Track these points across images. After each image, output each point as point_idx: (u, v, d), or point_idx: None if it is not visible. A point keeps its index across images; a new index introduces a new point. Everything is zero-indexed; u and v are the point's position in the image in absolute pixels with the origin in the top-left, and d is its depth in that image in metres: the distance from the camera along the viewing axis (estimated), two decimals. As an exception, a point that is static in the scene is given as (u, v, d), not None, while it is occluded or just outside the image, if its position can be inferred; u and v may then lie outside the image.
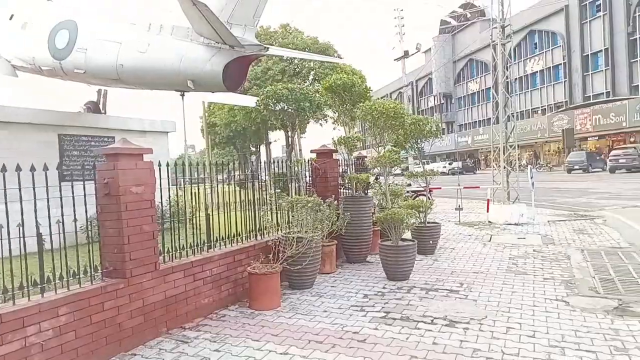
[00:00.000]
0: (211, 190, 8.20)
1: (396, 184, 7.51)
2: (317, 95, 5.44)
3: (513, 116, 10.61)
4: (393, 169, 6.78)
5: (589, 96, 40.73)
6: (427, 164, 49.70)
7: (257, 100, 5.11)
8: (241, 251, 4.94)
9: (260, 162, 6.64)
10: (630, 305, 4.26)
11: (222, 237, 4.90)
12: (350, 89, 6.08)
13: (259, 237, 5.35)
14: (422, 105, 69.96)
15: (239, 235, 5.08)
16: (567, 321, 3.91)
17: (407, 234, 6.94)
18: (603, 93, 39.33)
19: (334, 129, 22.40)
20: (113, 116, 10.52)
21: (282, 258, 4.85)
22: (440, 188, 12.09)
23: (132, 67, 7.19)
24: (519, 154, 43.70)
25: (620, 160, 27.09)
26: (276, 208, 5.60)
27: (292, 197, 5.27)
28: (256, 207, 5.31)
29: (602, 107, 36.15)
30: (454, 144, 56.44)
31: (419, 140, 6.65)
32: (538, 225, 9.29)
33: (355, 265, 6.40)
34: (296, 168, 6.44)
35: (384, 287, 5.19)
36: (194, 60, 6.66)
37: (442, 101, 62.17)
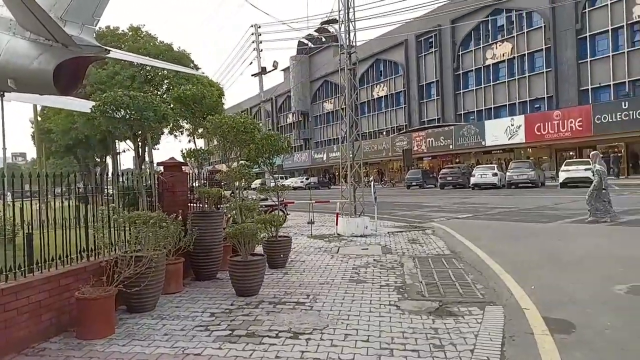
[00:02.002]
0: (40, 206, 7.17)
1: (250, 199, 7.51)
2: (164, 105, 5.15)
3: (359, 136, 11.48)
4: (254, 183, 6.75)
5: (424, 121, 46.38)
6: (285, 178, 51.06)
7: (93, 107, 4.60)
8: (68, 274, 4.38)
9: (107, 175, 6.01)
10: (448, 306, 4.83)
11: (45, 259, 4.30)
12: (201, 100, 5.92)
13: (91, 258, 4.82)
14: (282, 122, 71.82)
15: (67, 256, 4.51)
16: (397, 324, 4.28)
17: (259, 249, 6.97)
18: (435, 119, 45.16)
19: (189, 141, 21.59)
20: None
21: (117, 280, 4.43)
22: (293, 202, 12.44)
23: None
24: (367, 171, 47.27)
25: (448, 178, 31.19)
26: (114, 225, 5.11)
27: (132, 213, 4.87)
28: (89, 224, 4.79)
29: (434, 131, 41.42)
30: (310, 160, 58.99)
31: (272, 156, 6.76)
32: (380, 237, 10.11)
33: (205, 283, 6.17)
34: (145, 181, 6.00)
35: (232, 304, 5.08)
36: (16, 56, 5.80)
37: (300, 118, 64.66)
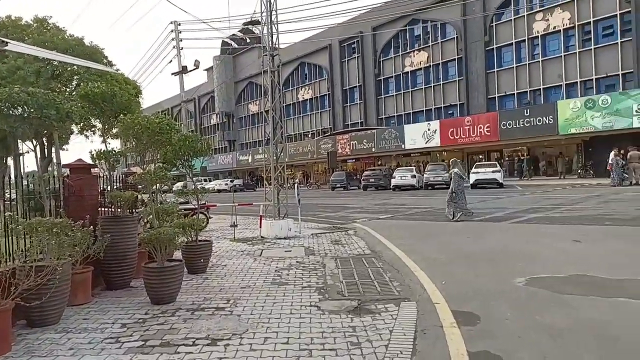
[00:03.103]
0: None
1: (168, 202, 7.21)
2: (71, 102, 4.75)
3: (284, 138, 11.49)
4: (175, 186, 6.47)
5: (348, 124, 47.52)
6: (209, 181, 49.76)
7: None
8: (-47, 290, 3.92)
9: (8, 177, 5.46)
10: (366, 304, 4.98)
11: None
12: (112, 99, 5.57)
13: (-17, 270, 4.35)
14: (205, 123, 69.94)
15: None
16: (317, 324, 4.33)
17: (179, 254, 6.72)
18: (358, 122, 46.43)
19: (102, 142, 20.25)
20: None
21: (14, 292, 4.04)
22: (215, 205, 12.16)
23: None
24: (292, 173, 47.46)
25: (371, 180, 32.18)
26: (12, 233, 4.66)
27: (32, 220, 4.47)
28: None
29: (358, 134, 42.59)
30: (235, 162, 58.05)
31: (190, 158, 6.54)
32: (303, 239, 10.18)
33: (117, 292, 5.83)
34: (50, 185, 5.52)
35: (146, 313, 4.84)
36: None
37: (225, 120, 63.36)
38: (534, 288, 5.28)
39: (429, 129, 36.48)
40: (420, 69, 41.15)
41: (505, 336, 3.89)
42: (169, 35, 22.09)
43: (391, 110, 43.81)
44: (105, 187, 6.38)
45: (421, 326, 4.21)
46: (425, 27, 40.30)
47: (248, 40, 51.40)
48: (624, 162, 22.13)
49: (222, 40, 54.45)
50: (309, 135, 51.30)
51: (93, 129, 19.09)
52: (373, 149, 40.53)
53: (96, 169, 6.27)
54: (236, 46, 53.44)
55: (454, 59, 38.49)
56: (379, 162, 42.13)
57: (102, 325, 4.48)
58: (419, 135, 36.97)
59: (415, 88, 41.77)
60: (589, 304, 4.63)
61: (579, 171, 30.12)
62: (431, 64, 40.11)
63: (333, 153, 40.19)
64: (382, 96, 44.54)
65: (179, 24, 21.92)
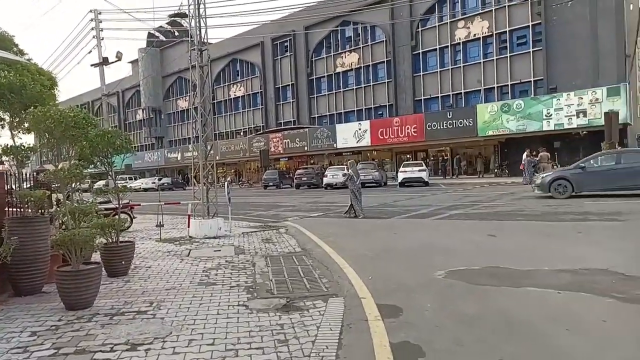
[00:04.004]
0: None
1: (86, 201, 6.78)
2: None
3: (216, 136, 11.22)
4: (97, 184, 6.06)
5: (281, 122, 47.42)
6: (134, 179, 47.47)
7: None
8: None
9: None
10: (295, 302, 5.00)
11: None
12: (20, 90, 5.12)
13: None
14: (130, 118, 66.64)
15: None
16: (244, 324, 4.29)
17: (97, 256, 6.35)
18: (291, 121, 46.49)
19: (11, 137, 18.58)
20: None
21: None
22: (140, 205, 11.63)
23: None
24: (224, 172, 46.54)
25: (303, 178, 32.38)
26: None
27: None
28: None
29: (290, 132, 42.65)
30: (164, 159, 55.83)
31: (109, 155, 6.18)
32: (234, 237, 10.02)
33: (27, 299, 5.38)
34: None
35: (59, 320, 4.52)
36: None
37: (152, 115, 60.69)
38: (452, 280, 5.60)
39: (359, 129, 37.37)
40: (352, 69, 42.01)
41: (425, 326, 4.09)
42: (88, 24, 20.71)
43: (323, 109, 44.32)
44: (13, 185, 5.87)
45: (347, 321, 4.31)
46: (356, 28, 41.19)
47: (177, 34, 49.62)
48: (535, 162, 24.07)
49: (149, 32, 52.08)
50: (241, 133, 50.57)
51: (1, 123, 17.48)
52: (306, 148, 40.80)
53: (2, 165, 5.75)
54: (163, 39, 51.34)
55: (383, 62, 39.71)
56: (312, 161, 42.51)
57: (9, 335, 4.12)
58: (350, 134, 37.76)
59: (347, 88, 42.58)
60: (500, 293, 4.99)
61: (496, 170, 32.34)
62: (362, 65, 41.09)
63: (266, 151, 39.91)
64: (315, 95, 44.95)
65: (100, 13, 20.63)
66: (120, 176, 45.44)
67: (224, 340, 3.86)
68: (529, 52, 32.27)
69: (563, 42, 30.28)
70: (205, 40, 10.57)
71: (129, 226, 11.80)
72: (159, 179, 45.69)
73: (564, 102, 28.06)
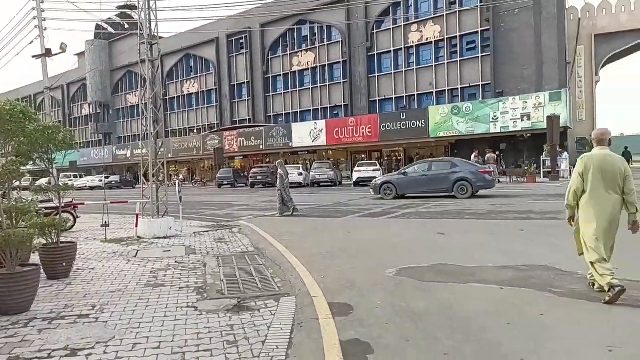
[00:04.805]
0: None
1: (24, 200, 6.39)
2: None
3: (169, 133, 10.90)
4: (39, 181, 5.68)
5: (236, 120, 46.73)
6: (80, 177, 45.38)
7: None
8: None
9: None
10: (246, 302, 4.94)
11: None
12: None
13: None
14: (76, 113, 63.61)
15: None
16: (192, 326, 4.18)
17: (36, 258, 6.02)
18: (246, 119, 45.94)
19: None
20: None
21: None
22: (84, 204, 11.13)
23: None
24: (177, 170, 45.36)
25: (258, 177, 32.12)
26: None
27: None
28: None
29: (245, 131, 42.14)
30: (112, 156, 53.65)
31: (50, 151, 5.85)
32: (184, 237, 9.78)
33: (-45, 305, 5.02)
34: None
35: (-9, 327, 4.24)
36: None
37: (99, 110, 58.13)
38: (402, 277, 5.72)
39: (315, 128, 37.49)
40: (308, 69, 42.03)
41: (375, 323, 4.15)
42: (30, 13, 19.51)
43: (279, 108, 44.09)
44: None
45: (299, 320, 4.30)
46: (312, 28, 41.25)
47: (126, 26, 47.81)
48: (482, 163, 25.05)
49: (96, 24, 49.84)
50: (195, 131, 49.41)
51: None
52: (261, 146, 40.45)
53: None
54: (112, 31, 49.25)
55: (339, 62, 40.00)
56: (267, 160, 42.19)
57: None
58: (305, 133, 37.79)
59: (303, 87, 42.56)
60: (446, 289, 5.15)
61: (447, 171, 33.36)
62: (318, 65, 41.20)
63: (220, 150, 39.23)
64: (271, 94, 44.63)
65: (42, 1, 19.48)
66: (65, 174, 43.30)
67: (171, 343, 3.76)
68: (478, 57, 33.51)
69: (510, 49, 31.70)
70: (156, 34, 10.23)
71: (72, 226, 11.28)
72: (107, 177, 43.87)
73: (509, 106, 29.39)
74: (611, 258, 4.55)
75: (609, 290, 4.30)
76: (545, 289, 4.97)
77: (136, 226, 10.05)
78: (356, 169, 28.90)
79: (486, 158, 25.30)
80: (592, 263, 4.55)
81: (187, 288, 5.54)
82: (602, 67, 35.18)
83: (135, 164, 51.03)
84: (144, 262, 7.25)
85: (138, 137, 53.86)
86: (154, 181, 10.19)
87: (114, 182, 42.78)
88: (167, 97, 51.58)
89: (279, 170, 14.05)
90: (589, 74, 34.00)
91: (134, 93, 54.41)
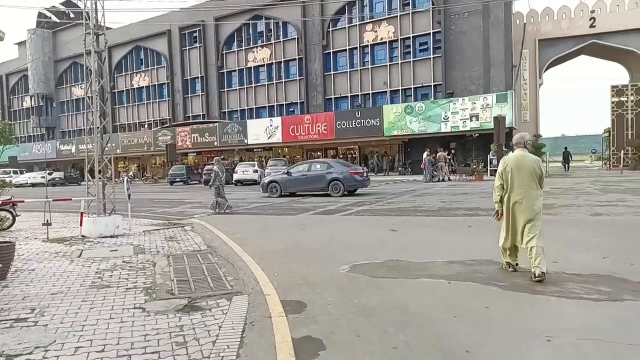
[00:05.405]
0: None
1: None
2: None
3: (117, 127, 10.46)
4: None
5: (189, 116, 45.62)
6: (20, 173, 42.86)
7: None
8: None
9: None
10: (197, 301, 4.83)
11: None
12: None
13: None
14: (16, 105, 59.98)
15: None
16: (140, 327, 4.04)
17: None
18: (200, 115, 44.92)
19: None
20: None
21: None
22: (23, 201, 10.51)
23: None
24: (126, 166, 43.77)
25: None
26: None
27: None
28: None
29: (199, 127, 41.21)
30: (55, 152, 50.94)
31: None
32: (133, 236, 9.44)
33: None
34: None
35: None
36: None
37: (42, 103, 55.06)
38: (355, 274, 5.79)
39: (271, 125, 37.23)
40: (263, 65, 41.63)
41: (327, 320, 4.17)
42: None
43: (234, 104, 43.44)
44: None
45: (250, 318, 4.25)
46: (268, 24, 40.88)
47: (72, 15, 45.47)
48: (434, 161, 25.78)
49: (39, 12, 47.10)
50: (146, 126, 47.78)
51: None
52: (215, 143, 39.71)
53: None
54: (57, 20, 46.70)
55: (295, 59, 39.89)
56: (222, 157, 41.42)
57: None
58: (261, 130, 37.46)
59: (259, 84, 42.13)
60: (398, 285, 5.26)
61: (400, 168, 34.11)
62: (274, 61, 40.89)
63: (172, 145, 38.09)
64: (225, 89, 43.86)
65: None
66: (3, 170, 40.71)
67: (116, 347, 3.62)
68: (430, 58, 34.41)
69: (460, 51, 32.78)
70: (103, 24, 9.78)
71: (11, 225, 10.64)
72: (50, 173, 41.61)
73: (459, 106, 30.41)
74: (531, 242, 5.14)
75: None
76: (490, 282, 5.18)
77: (80, 225, 9.59)
78: (236, 169, 30.56)
79: (437, 156, 26.06)
80: (504, 248, 5.54)
81: (134, 289, 5.36)
82: (546, 70, 37.04)
83: (81, 160, 48.69)
84: (88, 262, 6.94)
85: (84, 131, 51.50)
86: (100, 178, 9.76)
87: (57, 179, 40.62)
88: (116, 90, 49.58)
89: (215, 167, 14.24)
90: (533, 76, 35.70)
91: (79, 85, 51.96)
